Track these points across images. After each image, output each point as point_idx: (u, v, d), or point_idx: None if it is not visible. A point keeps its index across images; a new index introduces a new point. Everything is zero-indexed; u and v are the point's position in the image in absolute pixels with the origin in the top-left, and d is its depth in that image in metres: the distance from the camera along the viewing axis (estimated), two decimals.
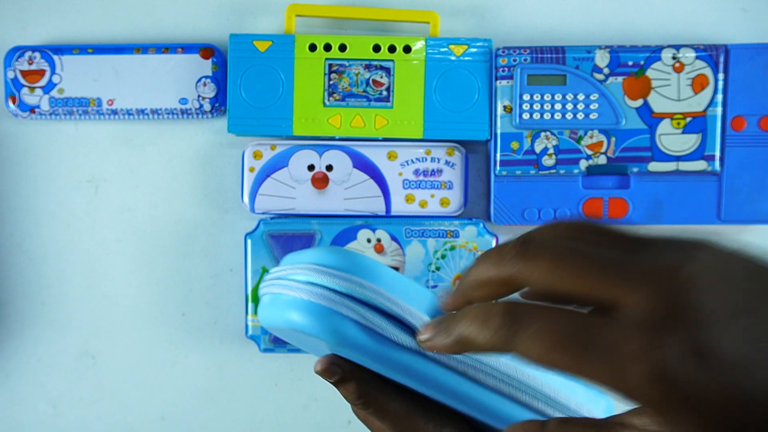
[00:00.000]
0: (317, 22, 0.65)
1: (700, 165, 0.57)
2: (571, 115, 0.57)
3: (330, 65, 0.62)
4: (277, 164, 0.62)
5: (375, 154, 0.62)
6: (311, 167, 0.62)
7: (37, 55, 0.63)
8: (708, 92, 0.56)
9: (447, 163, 0.62)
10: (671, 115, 0.57)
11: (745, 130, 0.56)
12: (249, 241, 0.61)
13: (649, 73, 0.57)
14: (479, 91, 0.62)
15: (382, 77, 0.62)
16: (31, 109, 0.63)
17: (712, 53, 0.56)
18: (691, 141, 0.57)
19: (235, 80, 0.62)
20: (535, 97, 0.57)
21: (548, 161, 0.57)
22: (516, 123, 0.57)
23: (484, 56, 0.62)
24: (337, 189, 0.62)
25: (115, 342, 0.65)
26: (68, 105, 0.63)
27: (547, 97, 0.57)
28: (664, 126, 0.57)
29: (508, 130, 0.58)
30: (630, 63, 0.57)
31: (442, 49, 0.62)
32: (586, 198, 0.57)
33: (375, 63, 0.62)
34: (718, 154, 0.57)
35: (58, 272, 0.65)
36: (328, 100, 0.62)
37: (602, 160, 0.57)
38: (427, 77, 0.62)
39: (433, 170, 0.62)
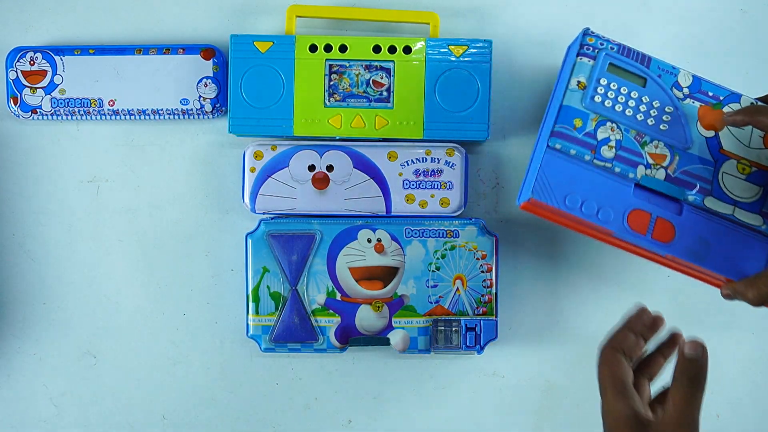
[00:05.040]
0: (318, 23, 0.66)
1: (756, 219, 0.54)
2: (642, 117, 0.54)
3: (330, 66, 0.62)
4: (278, 165, 0.62)
5: (375, 155, 0.62)
6: (312, 167, 0.62)
7: (39, 55, 0.63)
8: None
9: (447, 163, 0.62)
10: (738, 158, 0.54)
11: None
12: (250, 241, 0.61)
13: (725, 109, 0.55)
14: (479, 91, 0.62)
15: (382, 78, 0.62)
16: (33, 110, 0.63)
17: None
18: (753, 191, 0.54)
19: (236, 81, 0.62)
20: (612, 85, 0.54)
21: (607, 152, 0.53)
22: (586, 102, 0.54)
23: (484, 57, 0.62)
24: (338, 189, 0.62)
25: (116, 341, 0.65)
26: (70, 105, 0.63)
27: (624, 90, 0.54)
28: (729, 166, 0.54)
29: (576, 105, 0.54)
30: (710, 93, 0.55)
31: (442, 50, 0.62)
32: (634, 207, 0.53)
33: (375, 64, 0.62)
34: None
35: (60, 272, 0.65)
36: (329, 101, 0.62)
37: (661, 174, 0.54)
38: (427, 78, 0.62)
39: (433, 170, 0.62)
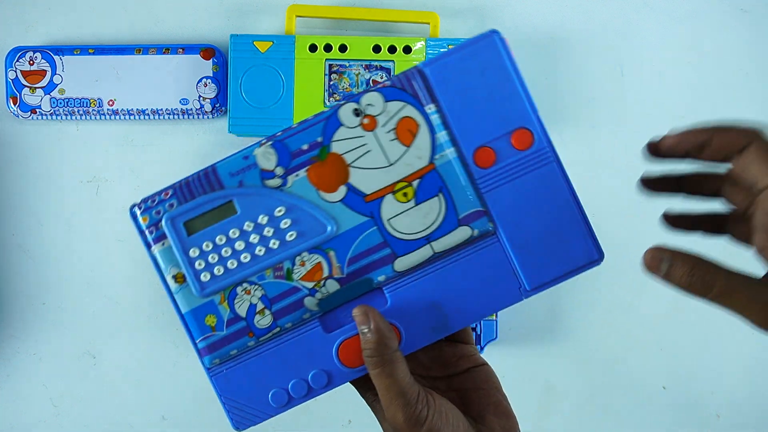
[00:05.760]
0: (318, 22, 0.66)
1: (462, 234, 0.40)
2: (263, 247, 0.40)
3: (330, 66, 0.62)
4: None
5: None
6: None
7: (38, 55, 0.63)
8: (424, 137, 0.39)
9: None
10: (391, 189, 0.40)
11: (498, 162, 0.39)
12: None
13: (336, 147, 0.39)
14: None
15: (382, 78, 0.62)
16: (32, 110, 0.63)
17: (404, 87, 0.39)
18: (434, 209, 0.40)
19: (235, 81, 0.62)
20: (205, 246, 0.41)
21: (264, 321, 0.41)
22: (198, 291, 0.41)
23: None
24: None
25: (115, 342, 0.65)
26: (69, 105, 0.63)
27: (221, 239, 0.40)
28: (388, 206, 0.40)
29: (195, 305, 0.41)
30: (305, 147, 0.40)
31: (442, 50, 0.62)
32: (338, 342, 0.40)
33: (375, 63, 0.62)
34: (478, 208, 0.40)
35: (59, 272, 0.65)
36: (329, 101, 0.62)
37: (333, 285, 0.40)
38: None
39: None
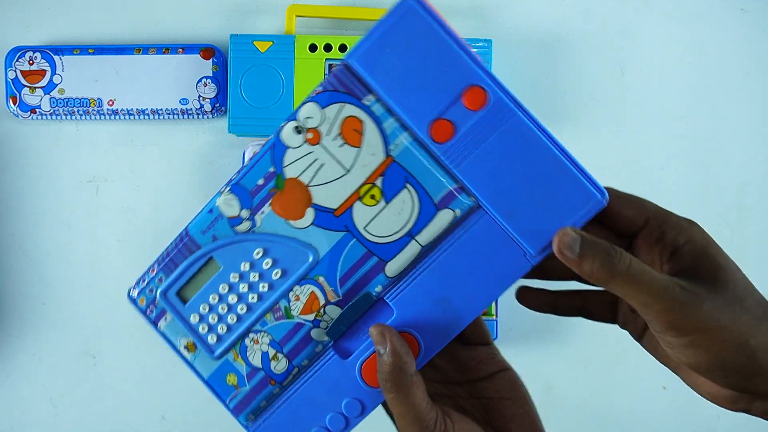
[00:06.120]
0: (317, 22, 0.66)
1: (444, 218, 0.37)
2: (255, 296, 0.39)
3: (330, 65, 0.62)
4: None
5: None
6: None
7: (38, 55, 0.63)
8: (372, 132, 0.36)
9: None
10: (357, 195, 0.37)
11: (457, 130, 0.36)
12: None
13: (290, 172, 0.37)
14: None
15: None
16: (32, 110, 0.63)
17: (335, 87, 0.36)
18: (407, 202, 0.37)
19: (235, 80, 0.62)
20: (203, 310, 0.40)
21: (280, 365, 0.40)
22: (210, 355, 0.40)
23: (484, 56, 0.62)
24: None
25: (115, 342, 0.65)
26: (69, 105, 0.63)
27: (214, 298, 0.40)
28: (360, 214, 0.37)
29: (213, 369, 0.40)
30: (261, 182, 0.38)
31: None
32: (360, 365, 0.39)
33: None
34: (452, 186, 0.36)
35: (59, 272, 0.65)
36: None
37: (334, 312, 0.39)
38: None
39: None
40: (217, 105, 0.63)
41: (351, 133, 0.37)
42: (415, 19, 0.35)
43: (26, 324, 0.65)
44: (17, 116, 0.63)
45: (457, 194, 0.36)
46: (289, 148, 0.37)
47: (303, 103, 0.37)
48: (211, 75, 0.63)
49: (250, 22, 0.65)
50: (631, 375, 0.65)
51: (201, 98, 0.63)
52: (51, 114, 0.63)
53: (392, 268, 0.38)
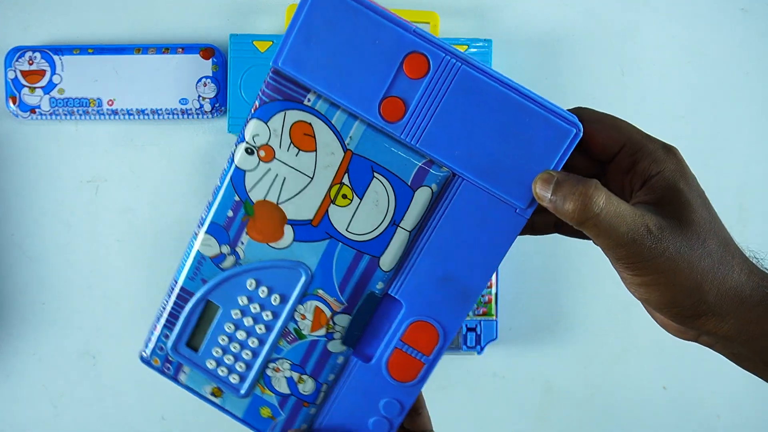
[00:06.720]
0: None
1: (423, 197, 0.35)
2: (263, 327, 0.39)
3: None
4: None
5: None
6: None
7: (38, 55, 0.63)
8: (323, 131, 0.35)
9: None
10: (328, 199, 0.36)
11: (408, 104, 0.34)
12: None
13: (255, 195, 0.37)
14: None
15: None
16: (32, 110, 0.63)
17: (272, 97, 0.36)
18: (380, 192, 0.36)
19: (235, 80, 0.62)
20: (216, 353, 0.40)
21: (308, 386, 0.40)
22: (237, 394, 0.41)
23: (484, 56, 0.62)
24: None
25: (115, 342, 0.65)
26: (68, 105, 0.63)
27: (224, 339, 0.40)
28: (337, 217, 0.36)
29: (245, 407, 0.41)
30: (230, 213, 0.37)
31: None
32: (386, 364, 0.39)
33: None
34: (421, 162, 0.35)
35: (59, 272, 0.65)
36: None
37: (343, 320, 0.38)
38: None
39: None
40: (216, 105, 0.63)
41: (303, 139, 0.35)
42: (327, 2, 0.33)
43: (26, 324, 0.65)
44: (17, 116, 0.63)
45: (428, 169, 0.35)
46: (246, 171, 0.36)
47: (246, 123, 0.36)
48: (210, 75, 0.63)
49: (250, 22, 0.65)
50: (631, 375, 0.65)
51: (201, 98, 0.63)
52: (51, 114, 0.63)
53: (386, 261, 0.37)
